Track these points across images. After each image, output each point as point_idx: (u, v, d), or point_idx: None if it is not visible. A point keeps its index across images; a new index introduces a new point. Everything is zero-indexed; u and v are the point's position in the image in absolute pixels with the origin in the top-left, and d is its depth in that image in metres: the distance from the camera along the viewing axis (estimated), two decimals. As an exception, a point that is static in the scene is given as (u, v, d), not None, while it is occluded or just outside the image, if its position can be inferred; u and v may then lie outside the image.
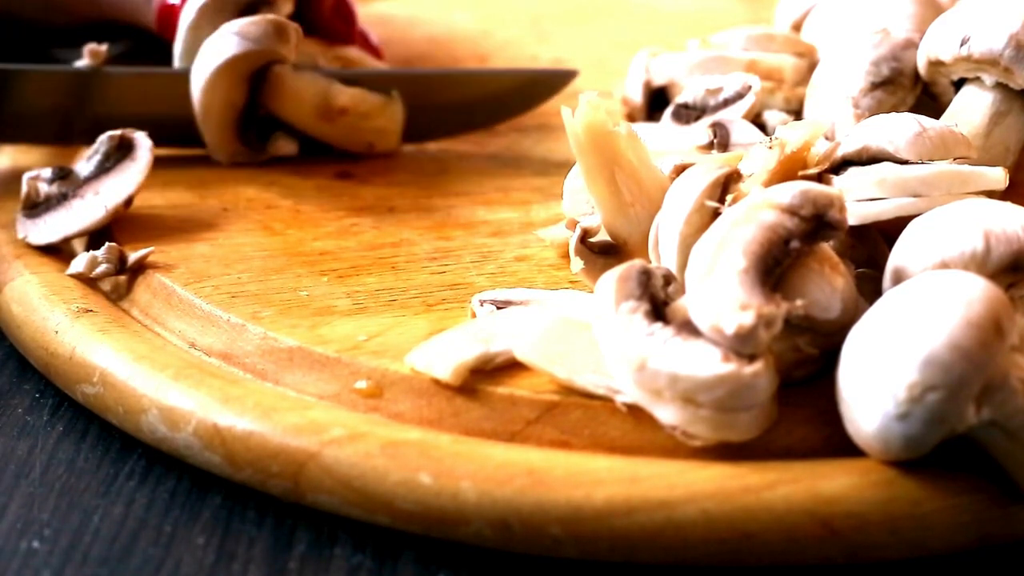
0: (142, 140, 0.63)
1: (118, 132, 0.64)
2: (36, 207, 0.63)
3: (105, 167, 0.63)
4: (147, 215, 0.62)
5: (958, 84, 0.61)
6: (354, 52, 0.73)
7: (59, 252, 0.62)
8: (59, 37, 0.82)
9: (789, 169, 0.54)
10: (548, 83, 0.71)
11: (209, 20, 0.68)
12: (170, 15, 0.70)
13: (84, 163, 0.64)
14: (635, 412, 0.49)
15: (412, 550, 0.49)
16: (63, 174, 0.64)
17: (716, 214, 0.51)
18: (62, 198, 0.63)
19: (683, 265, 0.50)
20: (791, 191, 0.49)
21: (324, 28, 0.72)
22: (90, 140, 0.66)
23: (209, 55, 0.66)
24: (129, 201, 0.62)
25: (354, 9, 0.73)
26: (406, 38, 0.84)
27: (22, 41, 0.83)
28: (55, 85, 0.68)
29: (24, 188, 0.63)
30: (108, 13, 0.77)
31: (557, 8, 0.89)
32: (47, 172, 0.64)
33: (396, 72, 0.73)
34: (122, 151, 0.64)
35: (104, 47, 0.69)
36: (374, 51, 0.74)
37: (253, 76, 0.67)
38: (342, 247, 0.61)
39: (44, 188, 0.63)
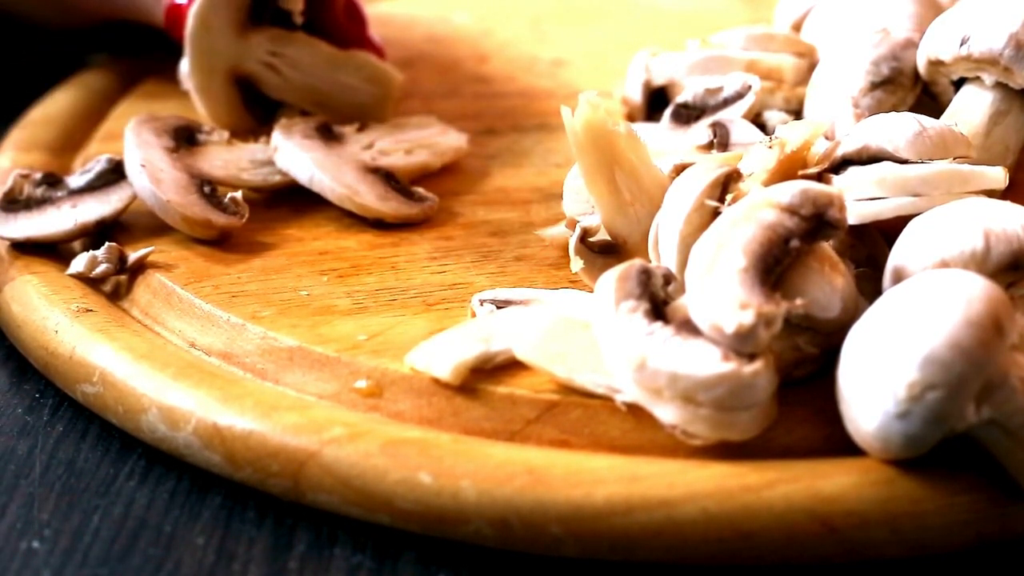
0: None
1: (118, 157, 0.64)
2: (14, 203, 0.63)
3: (93, 185, 0.63)
4: (147, 215, 0.62)
5: (958, 84, 0.61)
6: (365, 56, 0.73)
7: (58, 252, 0.62)
8: (85, 42, 0.83)
9: (789, 168, 0.54)
10: None
11: (213, 22, 0.68)
12: (178, 14, 0.70)
13: (77, 176, 0.64)
14: (635, 411, 0.49)
15: (412, 550, 0.49)
16: (52, 180, 0.64)
17: (716, 213, 0.51)
18: (42, 202, 0.63)
19: (683, 264, 0.50)
20: (791, 190, 0.49)
21: (336, 30, 0.72)
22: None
23: None
24: (101, 223, 0.62)
25: (363, 10, 0.73)
26: (406, 38, 0.84)
27: (45, 46, 0.84)
28: None
29: (10, 182, 0.63)
30: (120, 13, 0.77)
31: (557, 8, 0.89)
32: (38, 175, 0.64)
33: None
34: (115, 175, 0.64)
35: None
36: (378, 51, 0.74)
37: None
38: (342, 247, 0.61)
39: (29, 189, 0.63)
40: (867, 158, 0.55)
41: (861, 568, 0.47)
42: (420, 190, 0.65)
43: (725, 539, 0.46)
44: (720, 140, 0.62)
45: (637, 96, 0.69)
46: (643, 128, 0.65)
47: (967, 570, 0.48)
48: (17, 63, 0.86)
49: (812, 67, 0.66)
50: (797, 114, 0.65)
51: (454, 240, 0.62)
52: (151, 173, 0.62)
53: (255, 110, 0.70)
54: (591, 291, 0.53)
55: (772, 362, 0.47)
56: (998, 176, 0.53)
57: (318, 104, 0.69)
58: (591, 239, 0.57)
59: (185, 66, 0.69)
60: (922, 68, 0.62)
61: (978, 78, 0.60)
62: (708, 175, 0.52)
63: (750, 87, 0.65)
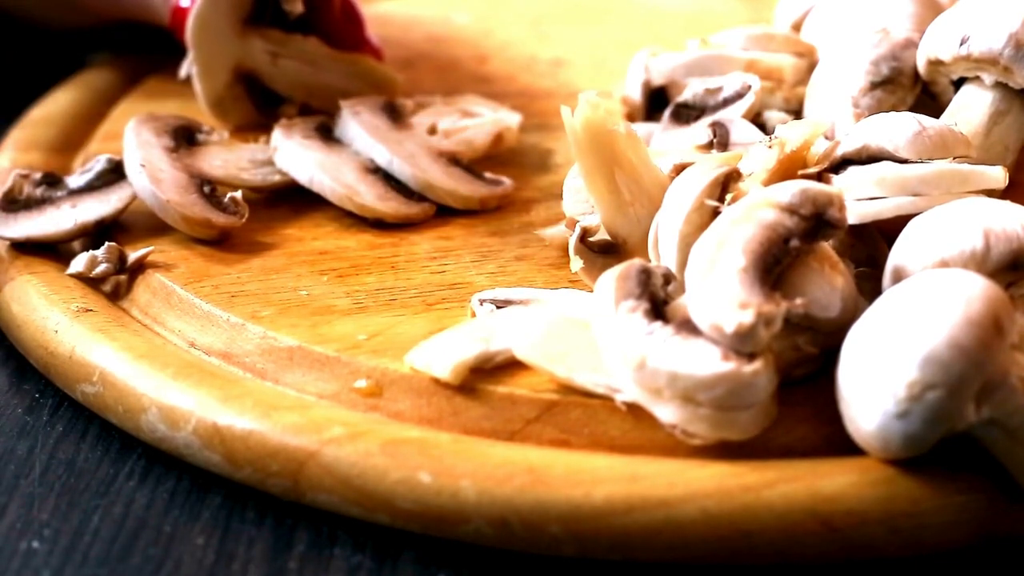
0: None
1: (118, 157, 0.64)
2: (14, 203, 0.63)
3: (93, 185, 0.63)
4: (147, 215, 0.62)
5: (958, 83, 0.61)
6: (365, 60, 0.73)
7: (58, 252, 0.62)
8: (86, 42, 0.83)
9: (789, 168, 0.54)
10: None
11: (213, 23, 0.68)
12: (183, 17, 0.70)
13: (77, 176, 0.64)
14: (635, 411, 0.49)
15: (412, 550, 0.49)
16: (52, 180, 0.64)
17: (716, 213, 0.51)
18: (41, 202, 0.63)
19: (683, 264, 0.50)
20: (791, 190, 0.49)
21: (334, 32, 0.72)
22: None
23: None
24: (101, 223, 0.62)
25: (360, 11, 0.73)
26: (406, 38, 0.84)
27: (53, 49, 0.84)
28: None
29: (9, 182, 0.63)
30: (128, 13, 0.77)
31: (557, 8, 0.89)
32: (37, 175, 0.64)
33: None
34: (115, 175, 0.64)
35: None
36: (376, 52, 0.74)
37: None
38: (342, 246, 0.61)
39: (29, 189, 0.63)
40: (867, 158, 0.55)
41: (861, 568, 0.47)
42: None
43: (725, 539, 0.46)
44: (720, 140, 0.62)
45: (637, 96, 0.69)
46: (643, 128, 0.65)
47: (967, 570, 0.48)
48: (17, 63, 0.86)
49: (812, 67, 0.66)
50: (797, 114, 0.65)
51: (454, 240, 0.62)
52: (151, 173, 0.62)
53: (262, 105, 0.70)
54: (591, 291, 0.53)
55: (772, 362, 0.47)
56: (998, 176, 0.53)
57: (321, 101, 0.70)
58: (591, 239, 0.57)
59: (186, 66, 0.70)
60: (922, 68, 0.62)
61: (978, 78, 0.60)
62: (708, 175, 0.52)
63: (750, 87, 0.65)
